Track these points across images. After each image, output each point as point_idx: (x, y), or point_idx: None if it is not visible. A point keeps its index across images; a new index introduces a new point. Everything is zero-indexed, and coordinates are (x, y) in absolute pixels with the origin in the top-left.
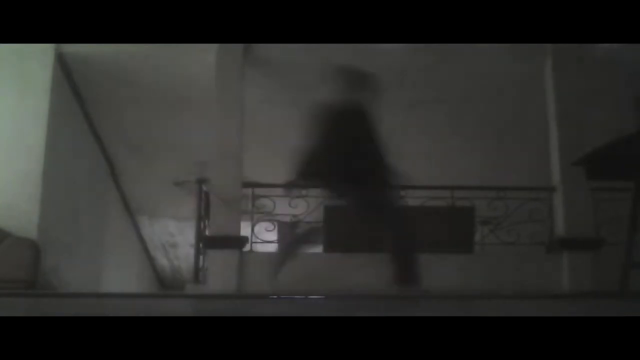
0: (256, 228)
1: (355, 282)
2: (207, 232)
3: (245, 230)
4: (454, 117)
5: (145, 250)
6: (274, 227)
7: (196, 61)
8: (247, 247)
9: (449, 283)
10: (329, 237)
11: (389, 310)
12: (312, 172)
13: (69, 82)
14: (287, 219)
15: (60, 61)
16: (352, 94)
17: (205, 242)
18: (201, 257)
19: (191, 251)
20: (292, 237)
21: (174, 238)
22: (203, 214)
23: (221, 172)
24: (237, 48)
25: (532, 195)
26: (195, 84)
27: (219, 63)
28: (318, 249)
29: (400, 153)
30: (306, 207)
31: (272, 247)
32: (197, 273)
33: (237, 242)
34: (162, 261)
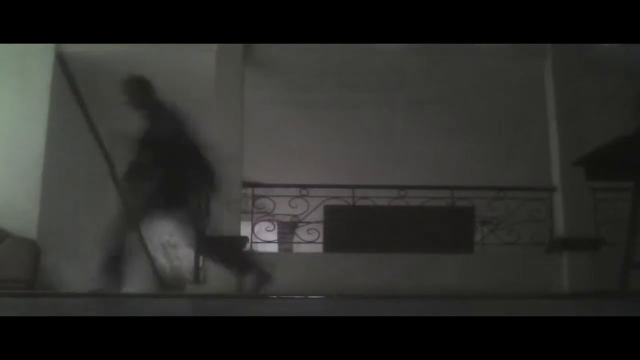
0: (256, 228)
1: (355, 282)
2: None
3: (245, 230)
4: (454, 117)
5: (145, 250)
6: (274, 227)
7: (196, 61)
8: (247, 247)
9: (449, 283)
10: (329, 237)
11: (389, 310)
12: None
13: (69, 82)
14: (287, 219)
15: (60, 61)
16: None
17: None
18: (201, 257)
19: (191, 251)
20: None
21: (174, 238)
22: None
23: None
24: (237, 48)
25: (532, 195)
26: (195, 84)
27: (219, 63)
28: (318, 248)
29: (400, 153)
30: (306, 207)
31: (272, 247)
32: (197, 273)
33: (237, 242)
34: (162, 261)
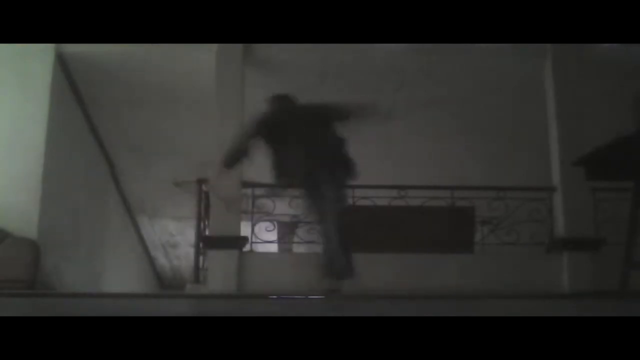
0: (256, 228)
1: (356, 282)
2: (207, 232)
3: (245, 230)
4: (454, 117)
5: (145, 250)
6: (274, 227)
7: (196, 61)
8: (247, 247)
9: (449, 283)
10: None
11: (389, 310)
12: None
13: (69, 82)
14: (287, 219)
15: (60, 61)
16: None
17: (205, 242)
18: (201, 257)
19: (191, 251)
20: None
21: (174, 238)
22: (203, 214)
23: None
24: (237, 48)
25: (532, 195)
26: (195, 84)
27: (219, 63)
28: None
29: (400, 153)
30: None
31: (272, 247)
32: (197, 273)
33: (237, 242)
34: (162, 261)
